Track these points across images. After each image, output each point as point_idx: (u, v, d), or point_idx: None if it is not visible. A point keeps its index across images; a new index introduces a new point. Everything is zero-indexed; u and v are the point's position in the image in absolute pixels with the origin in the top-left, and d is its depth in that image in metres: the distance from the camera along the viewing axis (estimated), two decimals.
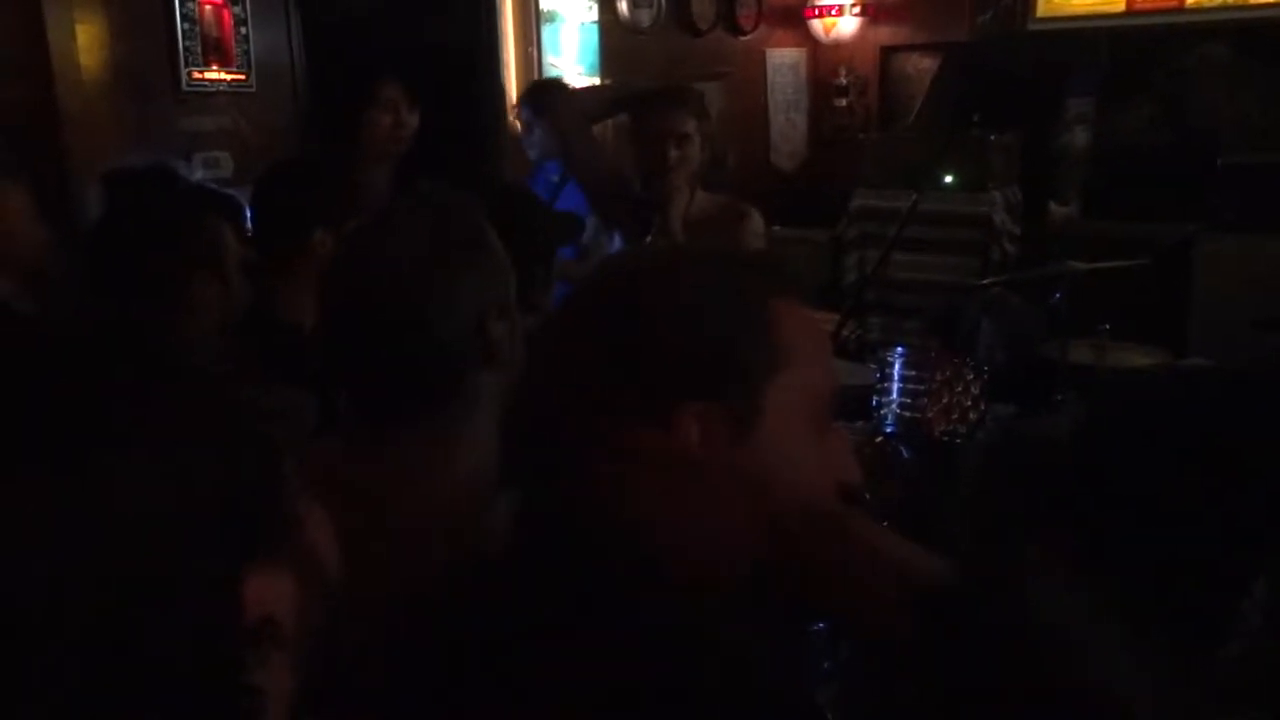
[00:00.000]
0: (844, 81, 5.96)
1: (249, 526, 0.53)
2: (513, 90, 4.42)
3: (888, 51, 5.89)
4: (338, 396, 1.13)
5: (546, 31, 4.44)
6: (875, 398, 2.54)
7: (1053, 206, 4.86)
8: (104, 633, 0.47)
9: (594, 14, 4.66)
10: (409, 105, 2.81)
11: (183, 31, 3.14)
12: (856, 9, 5.81)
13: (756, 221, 2.56)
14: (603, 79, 4.67)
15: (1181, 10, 4.98)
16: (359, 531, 0.99)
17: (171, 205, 1.71)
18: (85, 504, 0.48)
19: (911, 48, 5.79)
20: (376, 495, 1.01)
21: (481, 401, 1.07)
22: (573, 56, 4.59)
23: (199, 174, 3.19)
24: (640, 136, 2.52)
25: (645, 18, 5.01)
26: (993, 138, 4.52)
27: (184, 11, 3.13)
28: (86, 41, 2.95)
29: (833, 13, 5.85)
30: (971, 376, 2.55)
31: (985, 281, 3.65)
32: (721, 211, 2.55)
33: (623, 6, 4.89)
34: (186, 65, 3.17)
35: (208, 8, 3.20)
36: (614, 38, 4.79)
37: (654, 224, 2.49)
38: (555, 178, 2.85)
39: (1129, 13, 5.04)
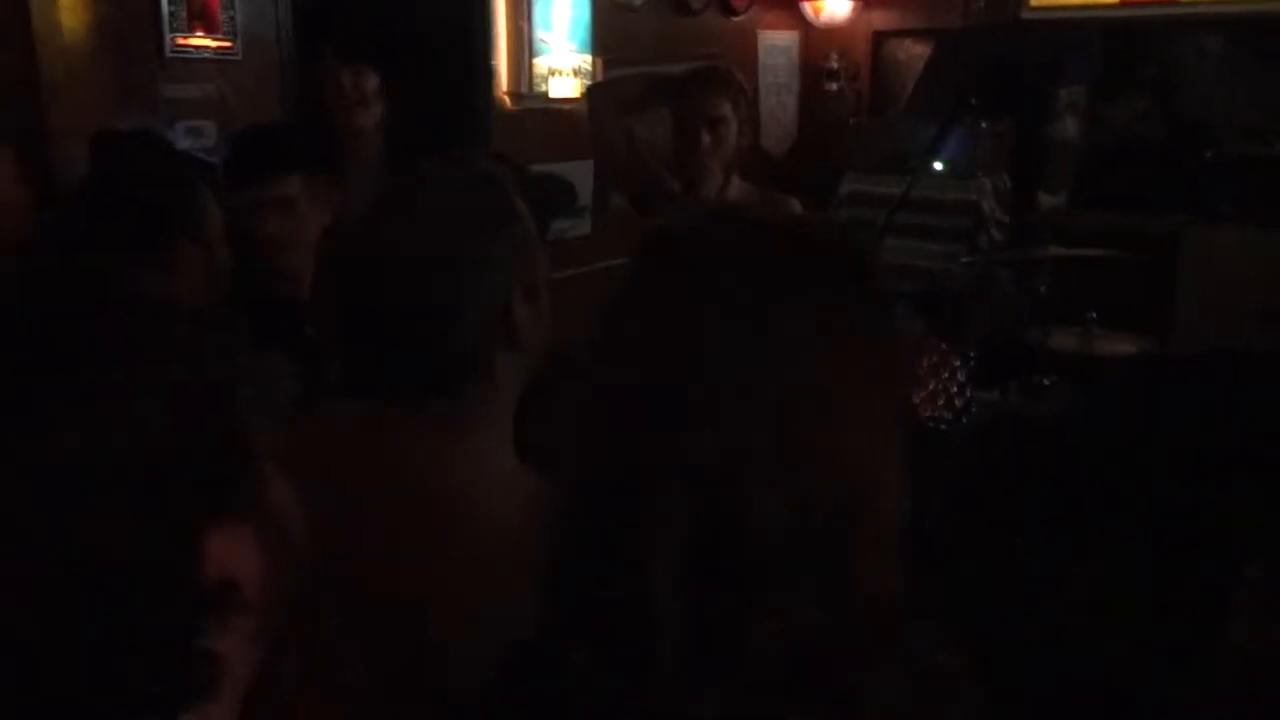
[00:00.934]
0: (835, 66, 5.93)
1: (211, 482, 0.51)
2: (503, 65, 4.38)
3: (880, 36, 5.86)
4: (342, 368, 1.10)
5: (538, 7, 4.39)
6: None
7: (1041, 195, 4.86)
8: (53, 586, 0.46)
9: None
10: (351, 72, 2.72)
11: None
12: None
13: (796, 211, 2.54)
14: (594, 56, 4.62)
15: (1175, 4, 4.98)
16: (368, 507, 0.97)
17: (157, 169, 1.67)
18: (33, 451, 0.46)
19: (904, 33, 5.76)
20: (390, 472, 0.99)
21: (500, 384, 1.03)
22: (564, 33, 4.55)
23: (182, 142, 3.15)
24: (675, 120, 2.48)
25: None
26: (984, 125, 4.51)
27: None
28: (69, 5, 2.90)
29: None
30: (958, 363, 2.54)
31: (971, 259, 3.66)
32: (759, 201, 2.53)
33: None
34: (171, 31, 3.11)
35: None
36: (606, 15, 4.74)
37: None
38: None
39: (1123, 4, 5.04)
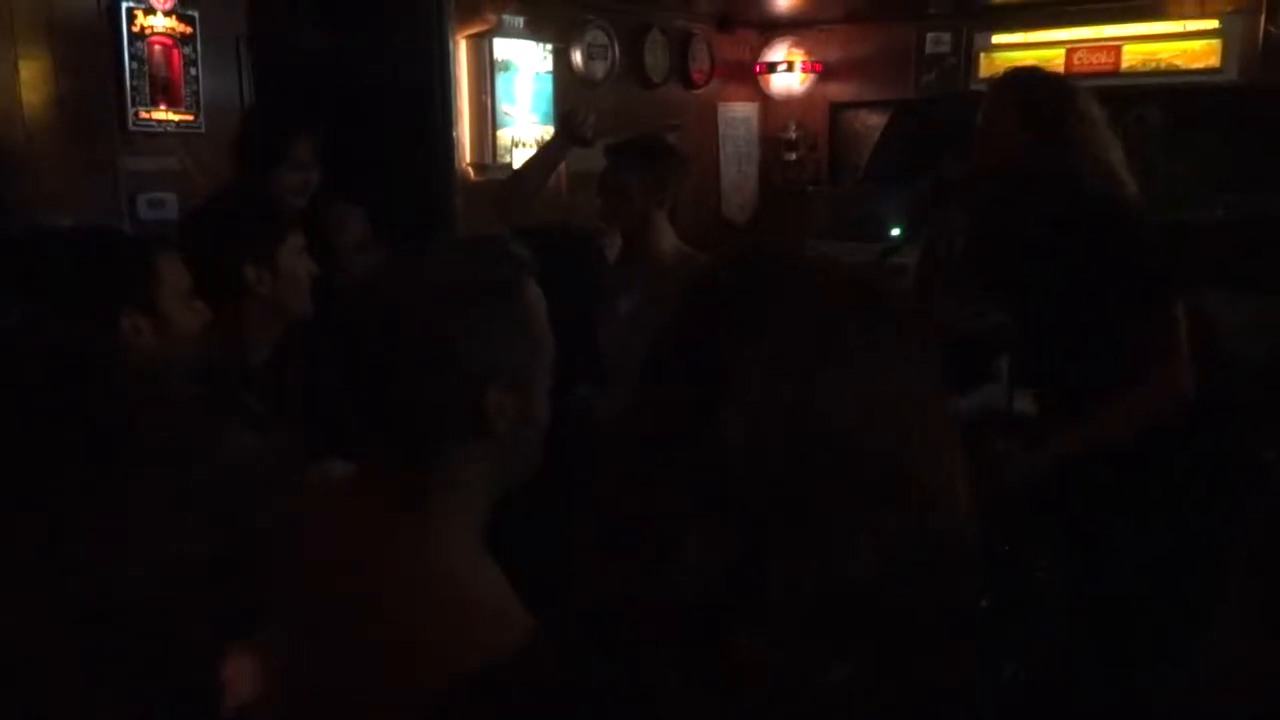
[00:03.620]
0: (794, 136, 6.07)
1: (234, 603, 0.51)
2: (466, 137, 4.44)
3: (837, 108, 6.02)
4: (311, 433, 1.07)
5: (500, 80, 4.47)
6: None
7: None
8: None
9: (548, 64, 4.71)
10: (317, 162, 2.73)
11: (130, 70, 3.11)
12: (806, 66, 5.93)
13: None
14: (556, 129, 4.70)
15: (1116, 74, 5.16)
16: (322, 593, 0.93)
17: (91, 244, 1.66)
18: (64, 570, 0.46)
19: (859, 105, 5.92)
20: (339, 545, 0.96)
21: (466, 477, 0.95)
22: (526, 106, 4.63)
23: (143, 214, 3.15)
24: None
25: (599, 69, 5.07)
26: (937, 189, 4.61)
27: (132, 51, 3.11)
28: (30, 77, 2.92)
29: (783, 69, 5.97)
30: None
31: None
32: (692, 260, 2.56)
33: (577, 58, 4.95)
34: (134, 104, 3.14)
35: (157, 47, 3.18)
36: (568, 88, 4.83)
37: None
38: None
39: (1069, 75, 5.21)
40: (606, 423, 2.21)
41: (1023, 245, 2.01)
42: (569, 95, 4.82)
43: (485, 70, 4.43)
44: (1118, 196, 1.93)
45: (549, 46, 4.71)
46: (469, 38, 4.41)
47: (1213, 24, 4.95)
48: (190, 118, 3.29)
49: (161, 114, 3.21)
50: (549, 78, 4.72)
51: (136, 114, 3.15)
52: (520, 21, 4.60)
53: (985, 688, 0.61)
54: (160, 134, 3.23)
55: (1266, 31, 4.79)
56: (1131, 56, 5.17)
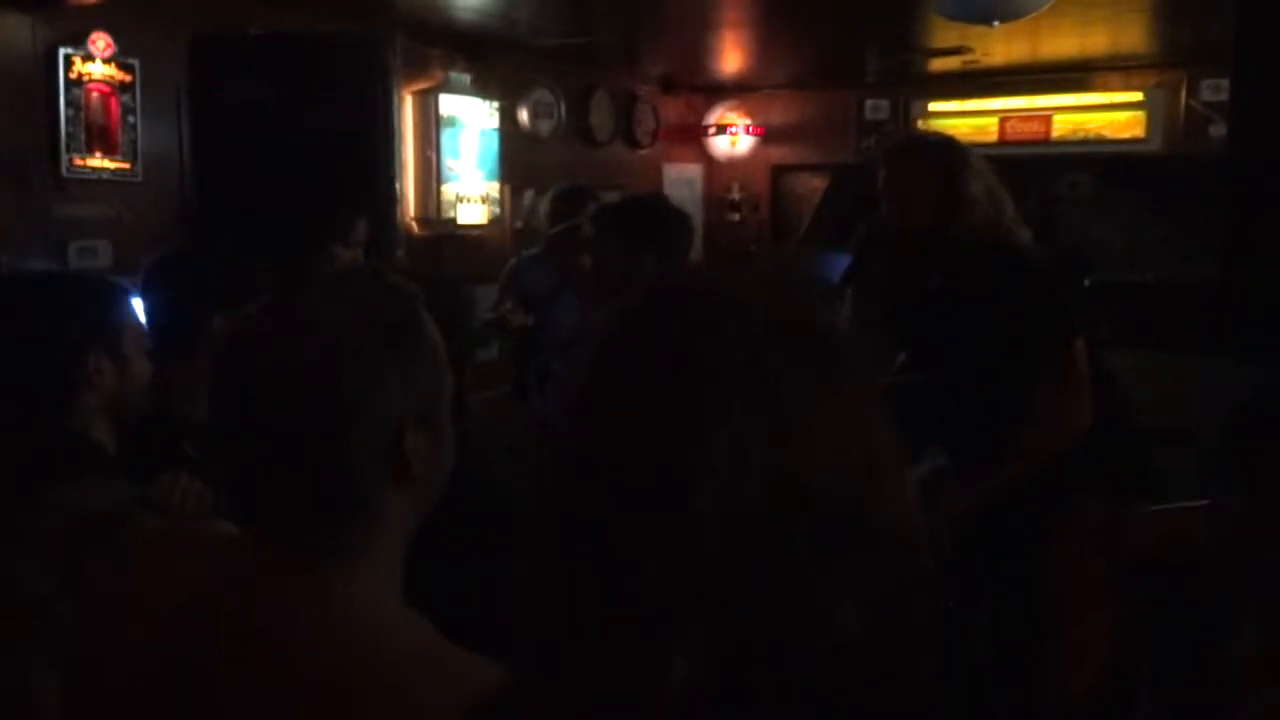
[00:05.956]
0: (737, 197, 6.17)
1: None
2: (410, 192, 4.43)
3: (779, 170, 6.13)
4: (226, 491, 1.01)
5: (446, 135, 4.49)
6: None
7: None
8: None
9: (494, 121, 4.74)
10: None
11: (66, 117, 3.07)
12: (750, 129, 6.05)
13: None
14: (502, 185, 4.72)
15: (1048, 142, 5.34)
16: (238, 651, 0.85)
17: (59, 287, 1.64)
18: None
19: (801, 167, 6.04)
20: (233, 609, 0.91)
21: (386, 523, 0.92)
22: (472, 162, 4.64)
23: (75, 262, 3.09)
24: None
25: (545, 128, 5.11)
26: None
27: (68, 98, 3.07)
28: None
29: (727, 131, 6.08)
30: None
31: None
32: None
33: (523, 115, 4.99)
34: (69, 151, 3.09)
35: (95, 95, 3.15)
36: (514, 145, 4.86)
37: None
38: None
39: (1002, 142, 5.39)
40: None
41: (927, 300, 2.06)
42: (515, 151, 4.85)
43: (431, 126, 4.44)
44: (1011, 245, 2.00)
45: (495, 104, 4.75)
46: (415, 93, 4.43)
47: (1137, 97, 5.15)
48: (126, 166, 3.24)
49: (97, 161, 3.17)
50: (495, 134, 4.75)
51: (71, 161, 3.10)
52: (467, 79, 4.63)
53: None
54: (95, 181, 3.18)
55: (1188, 105, 5.00)
56: (1062, 126, 5.36)
